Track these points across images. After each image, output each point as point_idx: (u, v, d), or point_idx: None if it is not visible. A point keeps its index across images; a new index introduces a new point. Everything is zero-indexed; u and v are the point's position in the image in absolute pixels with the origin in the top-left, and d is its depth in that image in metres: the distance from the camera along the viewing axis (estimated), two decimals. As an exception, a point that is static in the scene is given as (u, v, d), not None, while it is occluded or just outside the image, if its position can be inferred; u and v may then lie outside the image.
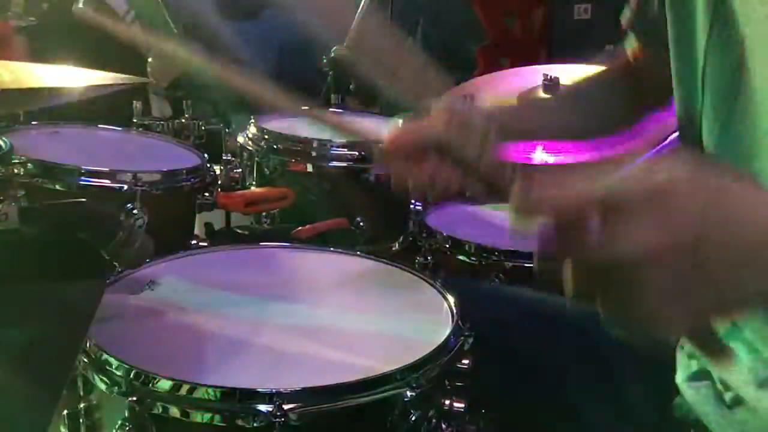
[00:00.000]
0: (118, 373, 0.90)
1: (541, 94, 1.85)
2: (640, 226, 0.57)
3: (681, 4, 0.94)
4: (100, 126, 1.80)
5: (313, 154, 1.76)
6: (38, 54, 2.22)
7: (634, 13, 1.14)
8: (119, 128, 1.83)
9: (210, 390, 0.86)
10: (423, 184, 1.05)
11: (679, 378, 0.99)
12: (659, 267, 0.57)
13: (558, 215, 0.59)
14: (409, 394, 0.89)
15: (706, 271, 0.57)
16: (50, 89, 1.22)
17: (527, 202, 0.60)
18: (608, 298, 0.60)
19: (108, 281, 1.10)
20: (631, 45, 1.18)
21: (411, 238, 1.57)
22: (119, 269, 1.12)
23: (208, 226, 1.70)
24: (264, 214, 1.76)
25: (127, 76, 1.34)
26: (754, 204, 0.60)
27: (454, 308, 1.08)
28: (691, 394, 0.97)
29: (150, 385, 0.87)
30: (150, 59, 2.60)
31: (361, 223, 1.63)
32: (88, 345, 0.94)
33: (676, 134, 1.02)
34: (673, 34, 0.97)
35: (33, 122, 1.75)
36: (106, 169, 1.43)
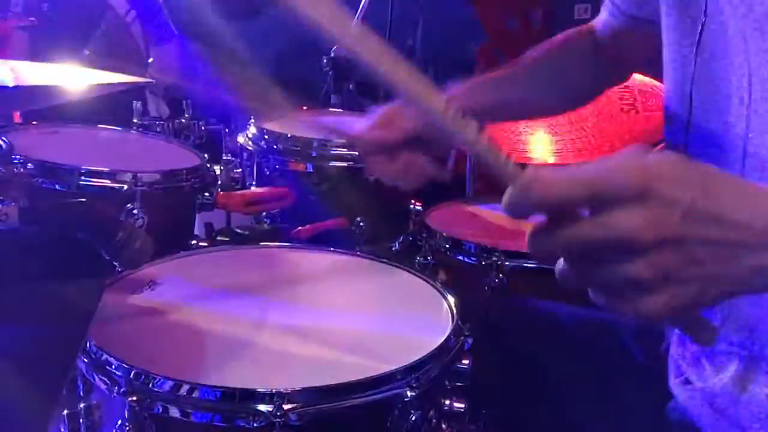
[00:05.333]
0: (118, 373, 0.89)
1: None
2: (628, 216, 0.58)
3: None
4: (100, 126, 1.80)
5: (313, 154, 1.76)
6: (38, 54, 2.22)
7: None
8: (119, 128, 1.83)
9: (210, 390, 0.86)
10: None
11: (673, 382, 1.00)
12: (644, 257, 0.58)
13: (549, 202, 0.60)
14: (409, 394, 0.89)
15: (692, 263, 0.59)
16: (50, 88, 1.22)
17: (521, 189, 0.60)
18: (596, 283, 0.62)
19: (108, 281, 1.10)
20: (606, 16, 1.20)
21: (411, 238, 1.57)
22: (119, 269, 1.12)
23: (208, 226, 1.70)
24: (264, 214, 1.76)
25: (127, 76, 1.33)
26: (741, 199, 0.61)
27: (454, 308, 1.08)
28: (684, 397, 0.97)
29: (150, 385, 0.87)
30: (151, 59, 2.60)
31: (361, 223, 1.63)
32: (88, 345, 0.94)
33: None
34: (670, 23, 0.97)
35: (33, 122, 1.75)
36: (106, 169, 1.42)
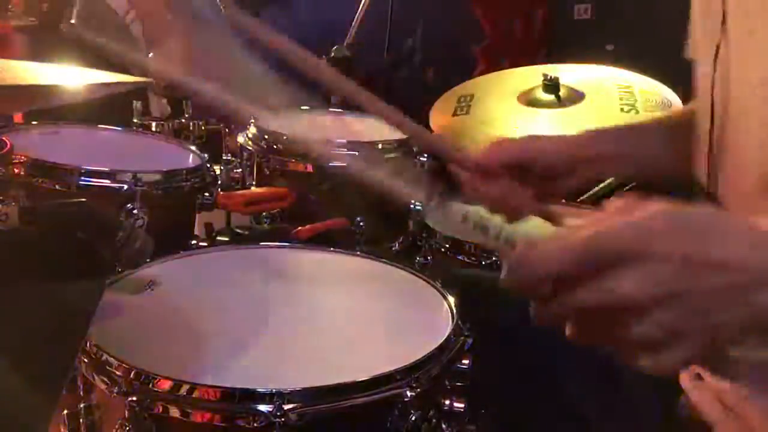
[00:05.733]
0: (118, 373, 0.90)
1: (542, 94, 1.85)
2: (627, 280, 0.58)
3: None
4: (100, 126, 1.80)
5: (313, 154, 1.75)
6: (38, 54, 2.22)
7: None
8: (119, 128, 1.83)
9: (210, 390, 0.86)
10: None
11: (683, 378, 1.00)
12: (650, 316, 0.58)
13: (545, 277, 0.61)
14: (409, 394, 0.89)
15: (697, 315, 0.59)
16: (50, 88, 1.22)
17: (514, 268, 0.62)
18: (608, 345, 0.62)
19: (108, 281, 1.10)
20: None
21: (411, 238, 1.57)
22: (119, 269, 1.12)
23: (208, 226, 1.70)
24: (264, 214, 1.76)
25: (127, 76, 1.33)
26: (736, 240, 0.61)
27: (454, 308, 1.08)
28: (695, 394, 0.97)
29: (150, 385, 0.87)
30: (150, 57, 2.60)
31: (361, 223, 1.63)
32: (88, 345, 0.94)
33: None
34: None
35: (33, 122, 1.75)
36: (106, 169, 1.42)
